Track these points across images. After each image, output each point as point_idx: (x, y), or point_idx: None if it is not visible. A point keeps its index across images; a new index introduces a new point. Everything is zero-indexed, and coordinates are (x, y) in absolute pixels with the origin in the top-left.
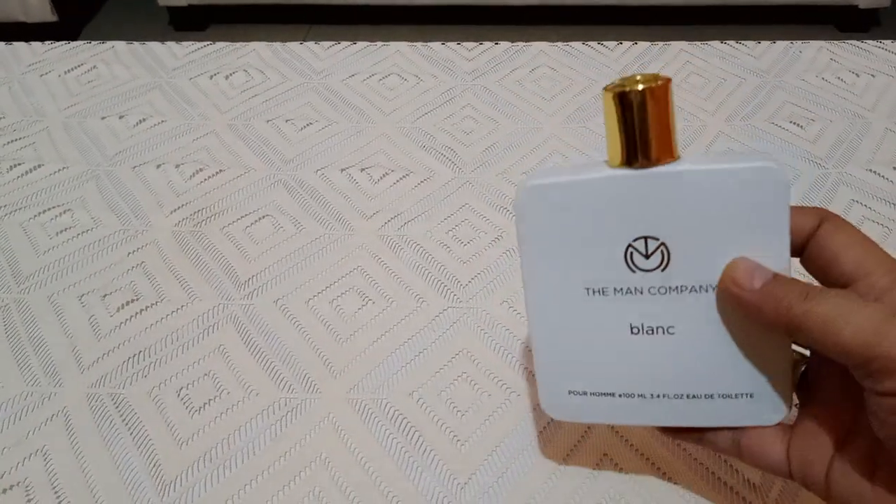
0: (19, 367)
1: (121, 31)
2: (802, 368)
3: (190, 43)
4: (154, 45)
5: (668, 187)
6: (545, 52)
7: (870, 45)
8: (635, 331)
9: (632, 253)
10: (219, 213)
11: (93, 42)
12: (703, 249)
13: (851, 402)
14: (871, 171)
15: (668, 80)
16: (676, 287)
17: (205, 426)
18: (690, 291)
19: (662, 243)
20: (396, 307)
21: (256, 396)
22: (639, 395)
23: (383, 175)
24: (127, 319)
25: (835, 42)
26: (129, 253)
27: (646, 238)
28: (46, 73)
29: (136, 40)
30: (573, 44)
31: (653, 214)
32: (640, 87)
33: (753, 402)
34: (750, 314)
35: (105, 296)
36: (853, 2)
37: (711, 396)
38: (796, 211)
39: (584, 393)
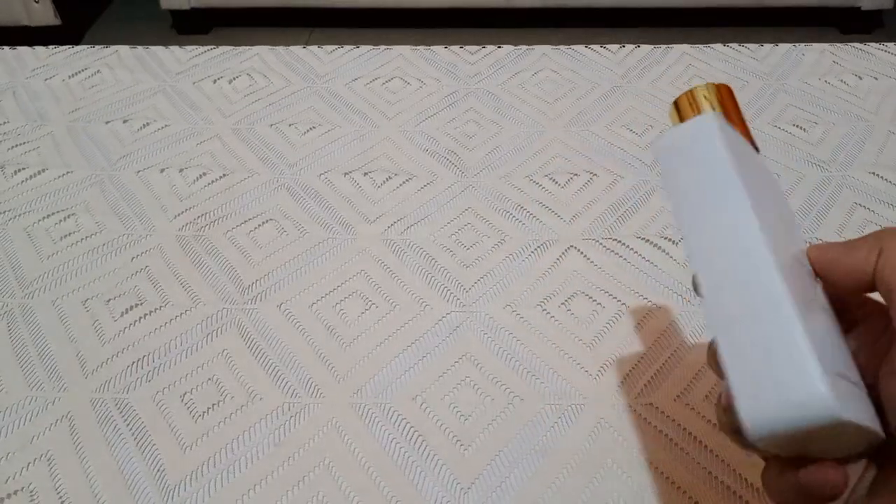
0: (24, 371)
1: (124, 34)
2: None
3: (193, 47)
4: (158, 50)
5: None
6: (548, 56)
7: (872, 47)
8: (817, 303)
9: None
10: (222, 218)
11: (97, 46)
12: (777, 223)
13: None
14: (874, 174)
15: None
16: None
17: (208, 431)
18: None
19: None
20: (399, 311)
21: (260, 401)
22: (852, 383)
23: (386, 179)
24: (131, 324)
25: (837, 45)
26: (133, 257)
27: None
28: (50, 78)
29: (139, 43)
30: (576, 47)
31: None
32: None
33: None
34: (840, 270)
35: (109, 300)
36: (856, 3)
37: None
38: (858, 243)
39: (838, 373)
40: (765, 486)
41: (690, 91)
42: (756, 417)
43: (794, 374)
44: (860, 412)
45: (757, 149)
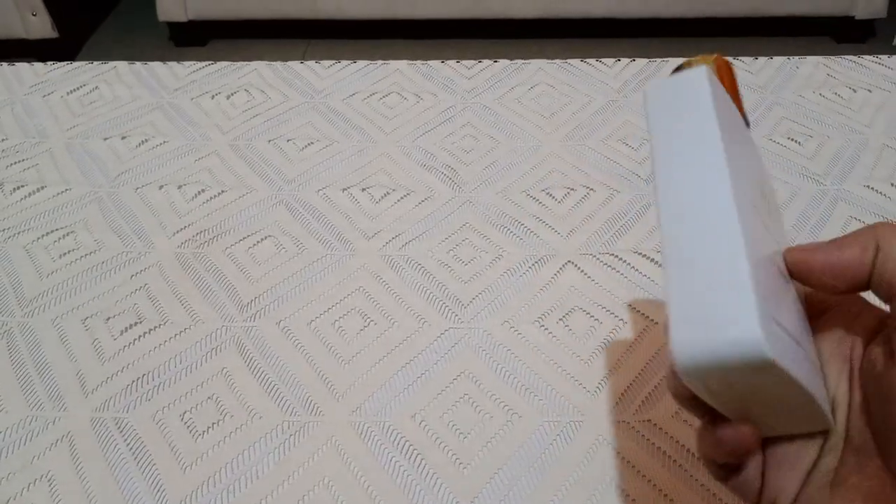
0: (23, 391)
1: (121, 46)
2: None
3: (191, 63)
4: (156, 66)
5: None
6: (543, 70)
7: (866, 60)
8: (779, 267)
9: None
10: (221, 234)
11: (94, 63)
12: (771, 208)
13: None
14: (868, 187)
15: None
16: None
17: (208, 450)
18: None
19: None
20: (398, 328)
21: (260, 420)
22: (800, 345)
23: (384, 194)
24: (130, 343)
25: (832, 57)
26: (133, 275)
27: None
28: (49, 94)
29: (137, 55)
30: (571, 61)
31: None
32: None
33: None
34: (826, 271)
35: (108, 319)
36: (850, 13)
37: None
38: (851, 237)
39: (779, 323)
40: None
41: (691, 60)
42: (684, 351)
43: (730, 310)
44: (803, 374)
45: (747, 123)
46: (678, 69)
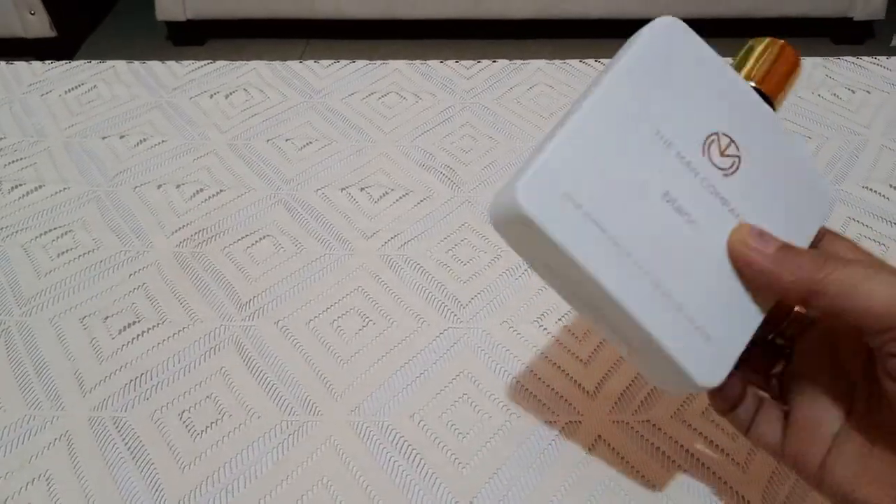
0: (21, 390)
1: (119, 45)
2: (780, 368)
3: (190, 62)
4: (154, 65)
5: (774, 124)
6: (542, 70)
7: (865, 61)
8: (667, 198)
9: (712, 140)
10: (220, 234)
11: (93, 62)
12: (759, 191)
13: (843, 399)
14: (867, 188)
15: (797, 56)
16: (723, 196)
17: (207, 450)
18: (730, 210)
19: (740, 157)
20: (397, 328)
21: (258, 419)
22: (625, 252)
23: (383, 194)
24: (129, 342)
25: (830, 58)
26: (131, 274)
27: (733, 140)
28: (47, 93)
29: (135, 55)
30: (570, 61)
31: (750, 129)
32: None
33: (701, 345)
34: (763, 278)
35: (107, 318)
36: (848, 14)
37: (678, 308)
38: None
39: (578, 206)
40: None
41: (758, 40)
42: (493, 202)
43: (523, 172)
44: (620, 285)
45: (773, 106)
46: (749, 48)
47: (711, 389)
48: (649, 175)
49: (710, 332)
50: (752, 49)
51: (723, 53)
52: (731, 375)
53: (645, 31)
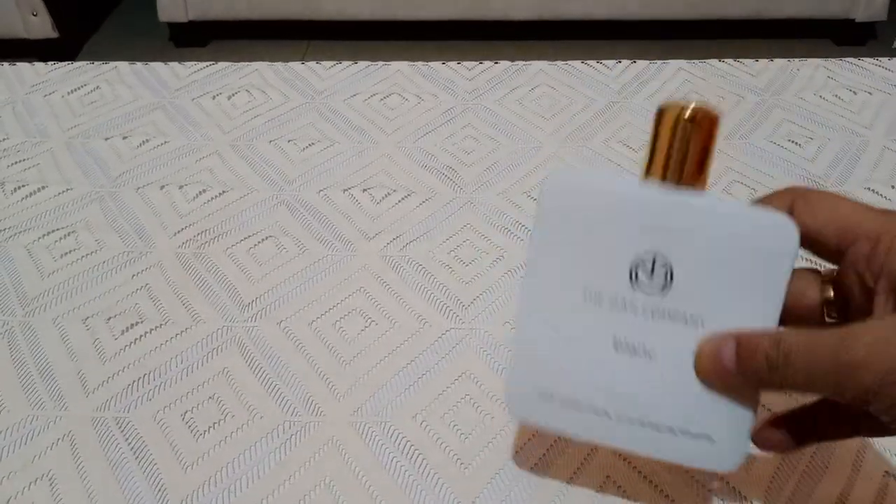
0: (24, 390)
1: (122, 46)
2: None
3: (192, 63)
4: (157, 66)
5: (690, 213)
6: (544, 72)
7: (867, 62)
8: (618, 347)
9: (637, 267)
10: (222, 235)
11: (95, 63)
12: (705, 282)
13: None
14: (869, 189)
15: (718, 116)
16: (669, 312)
17: (210, 450)
18: (681, 321)
19: (669, 266)
20: (399, 329)
21: (261, 419)
22: (605, 413)
23: (385, 195)
24: (132, 342)
25: (832, 59)
26: (134, 275)
27: (655, 256)
28: (50, 94)
29: (137, 56)
30: (572, 63)
31: (668, 235)
32: (694, 112)
33: (711, 446)
34: (737, 387)
35: (110, 318)
36: (850, 15)
37: (672, 430)
38: (767, 200)
39: (552, 398)
40: None
41: (670, 104)
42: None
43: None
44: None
45: (704, 181)
46: (659, 112)
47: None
48: (596, 335)
49: (712, 434)
50: (658, 134)
51: (723, 55)
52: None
53: (540, 200)
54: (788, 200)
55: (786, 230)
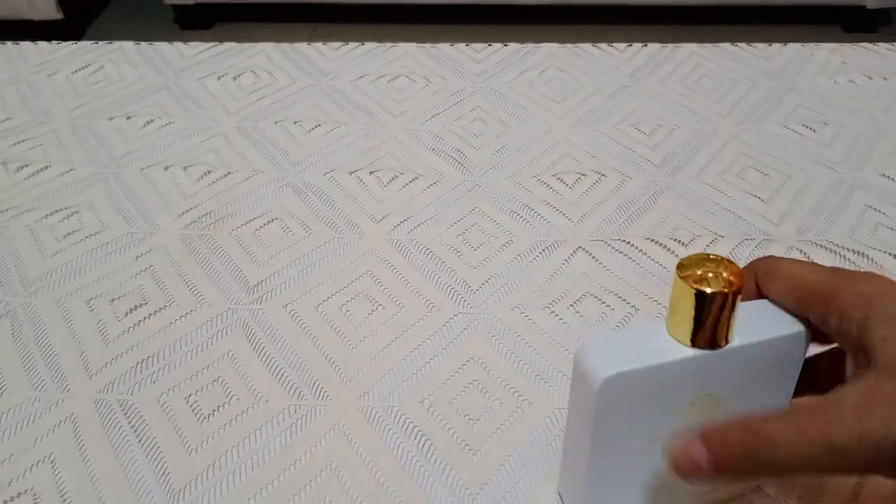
0: (27, 372)
1: (126, 28)
2: None
3: (197, 43)
4: (162, 46)
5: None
6: (554, 54)
7: (881, 47)
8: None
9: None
10: (227, 216)
11: (100, 42)
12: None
13: None
14: (885, 175)
15: (741, 283)
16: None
17: (214, 433)
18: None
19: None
20: (406, 312)
21: (266, 403)
22: None
23: (392, 178)
24: (135, 324)
25: (847, 44)
26: (138, 256)
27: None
28: (54, 74)
29: (142, 38)
30: (583, 45)
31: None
32: (719, 289)
33: None
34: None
35: (113, 300)
36: (861, 2)
37: None
38: None
39: None
40: None
41: (686, 277)
42: None
43: None
44: None
45: (724, 343)
46: (679, 268)
47: None
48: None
49: None
50: (679, 300)
51: (735, 40)
52: None
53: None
54: (752, 277)
55: (801, 337)
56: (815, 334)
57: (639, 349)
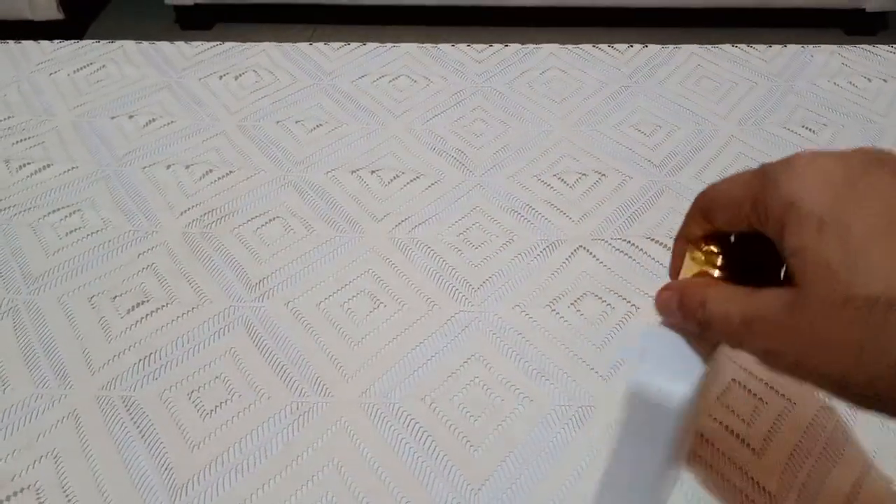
0: (29, 369)
1: (127, 29)
2: None
3: (199, 43)
4: (163, 45)
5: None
6: (555, 55)
7: (881, 49)
8: None
9: None
10: (229, 215)
11: (101, 41)
12: None
13: None
14: None
15: None
16: None
17: (216, 429)
18: None
19: None
20: (408, 310)
21: (268, 400)
22: None
23: (394, 177)
24: (137, 321)
25: (846, 46)
26: (140, 254)
27: None
28: (56, 73)
29: (142, 39)
30: (583, 46)
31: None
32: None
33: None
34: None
35: (115, 297)
36: (860, 5)
37: None
38: (685, 227)
39: None
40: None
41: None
42: None
43: None
44: None
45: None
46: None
47: None
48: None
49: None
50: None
51: (735, 40)
52: None
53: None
54: (700, 216)
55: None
56: None
57: (680, 358)
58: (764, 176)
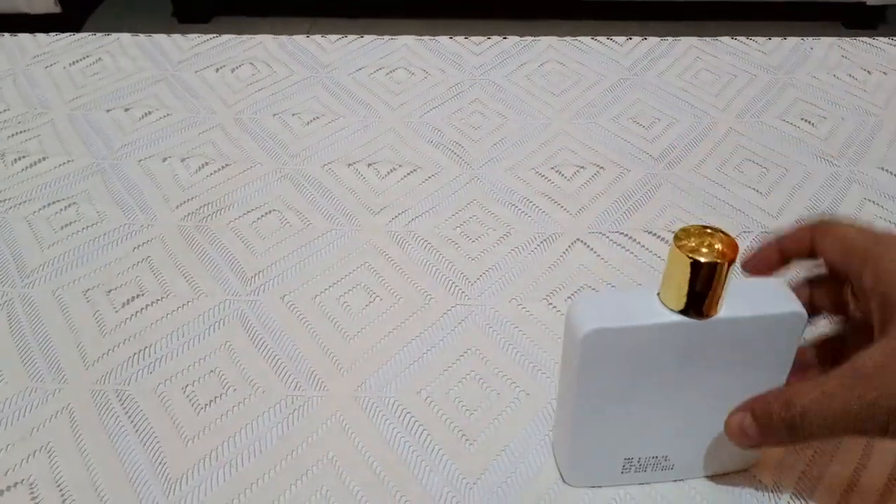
0: (23, 362)
1: (124, 22)
2: None
3: (195, 35)
4: (160, 38)
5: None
6: (554, 47)
7: (881, 42)
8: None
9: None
10: (225, 208)
11: (98, 34)
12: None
13: None
14: (883, 169)
15: (735, 256)
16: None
17: (211, 423)
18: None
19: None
20: (404, 304)
21: (263, 394)
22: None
23: (391, 170)
24: (132, 315)
25: (846, 39)
26: (135, 248)
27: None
28: (51, 65)
29: (140, 31)
30: (582, 39)
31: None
32: (712, 259)
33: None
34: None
35: (110, 291)
36: None
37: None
38: (789, 235)
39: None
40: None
41: (682, 247)
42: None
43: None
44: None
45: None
46: (676, 239)
47: None
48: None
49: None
50: (674, 269)
51: (734, 34)
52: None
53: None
54: (808, 235)
55: (799, 317)
56: (836, 305)
57: (627, 309)
58: (879, 238)
